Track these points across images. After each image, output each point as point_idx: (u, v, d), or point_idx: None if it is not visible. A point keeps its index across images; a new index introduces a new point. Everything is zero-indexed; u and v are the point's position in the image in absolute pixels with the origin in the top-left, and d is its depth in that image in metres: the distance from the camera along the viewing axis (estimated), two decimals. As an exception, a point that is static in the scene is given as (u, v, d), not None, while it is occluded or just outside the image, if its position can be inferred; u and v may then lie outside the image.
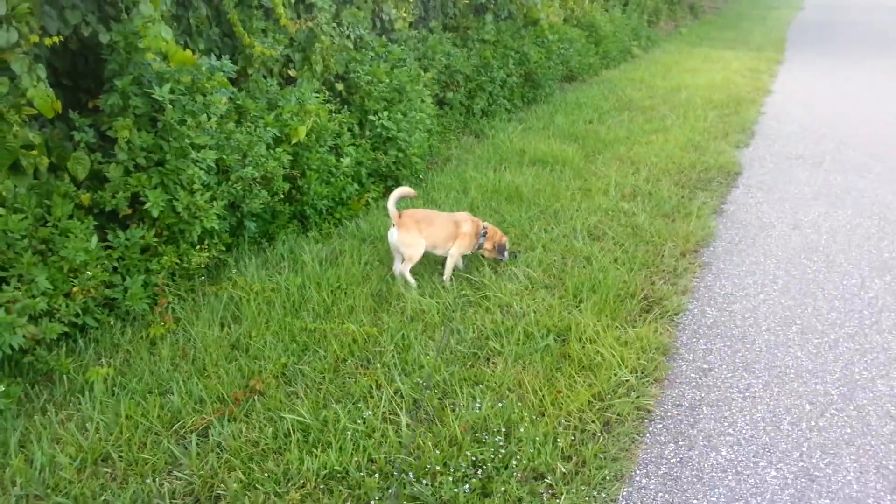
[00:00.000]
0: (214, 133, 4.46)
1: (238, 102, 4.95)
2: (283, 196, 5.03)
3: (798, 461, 2.91)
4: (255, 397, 3.26)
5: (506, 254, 4.63)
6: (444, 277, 4.47)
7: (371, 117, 6.20)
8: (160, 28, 4.04)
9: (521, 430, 2.95)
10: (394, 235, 4.37)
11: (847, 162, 7.41)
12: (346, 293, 4.22)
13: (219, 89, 4.54)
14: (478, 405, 3.12)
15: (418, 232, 4.40)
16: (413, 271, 4.55)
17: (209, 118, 4.32)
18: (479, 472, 2.75)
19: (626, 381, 3.36)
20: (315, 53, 6.07)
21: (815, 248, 5.10)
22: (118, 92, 4.08)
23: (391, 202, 4.36)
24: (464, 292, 4.29)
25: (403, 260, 4.41)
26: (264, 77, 5.59)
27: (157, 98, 4.05)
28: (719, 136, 8.13)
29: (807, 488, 2.76)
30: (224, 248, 4.58)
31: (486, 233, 4.55)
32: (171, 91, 4.20)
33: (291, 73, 6.03)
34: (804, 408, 3.26)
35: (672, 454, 2.96)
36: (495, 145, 7.61)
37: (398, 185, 6.32)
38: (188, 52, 4.18)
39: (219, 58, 4.83)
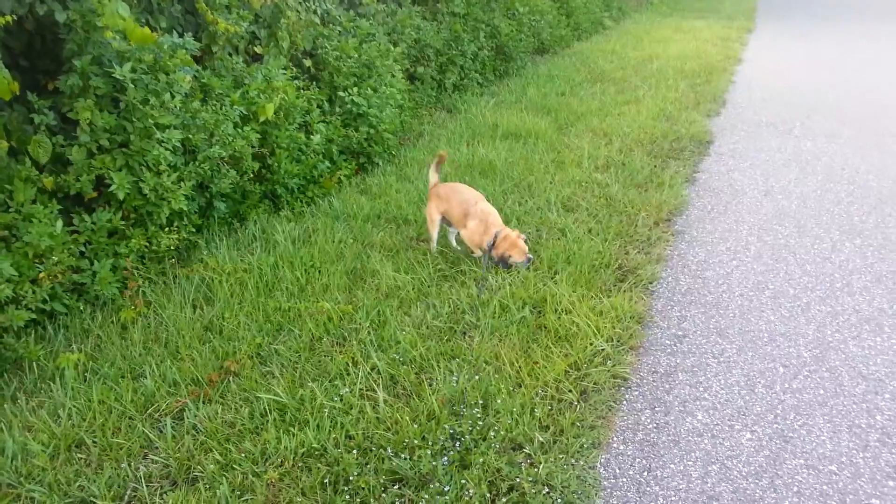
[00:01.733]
0: (179, 112, 4.36)
1: (203, 81, 4.84)
2: (252, 175, 4.96)
3: (772, 423, 2.95)
4: (231, 378, 3.23)
5: (519, 263, 4.15)
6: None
7: (341, 93, 6.11)
8: (117, 5, 3.92)
9: (499, 401, 2.95)
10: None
11: (817, 128, 7.47)
12: (320, 271, 4.18)
13: (182, 67, 4.43)
14: (455, 378, 3.11)
15: (436, 207, 4.43)
16: (386, 246, 4.53)
17: (173, 97, 4.22)
18: (458, 444, 2.75)
19: (602, 350, 3.38)
20: (281, 29, 5.95)
21: (786, 214, 5.14)
22: (77, 72, 3.96)
23: (431, 171, 4.59)
24: (439, 267, 4.27)
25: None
26: (230, 54, 5.47)
27: (118, 78, 3.94)
28: (691, 106, 8.15)
29: (781, 449, 2.80)
30: (194, 230, 4.51)
31: (494, 242, 4.12)
32: (133, 70, 4.10)
33: (258, 49, 5.91)
34: (778, 371, 3.29)
35: (648, 420, 2.99)
36: (468, 119, 7.56)
37: (370, 161, 6.27)
38: (147, 29, 4.06)
39: (181, 35, 4.71)
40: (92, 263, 3.89)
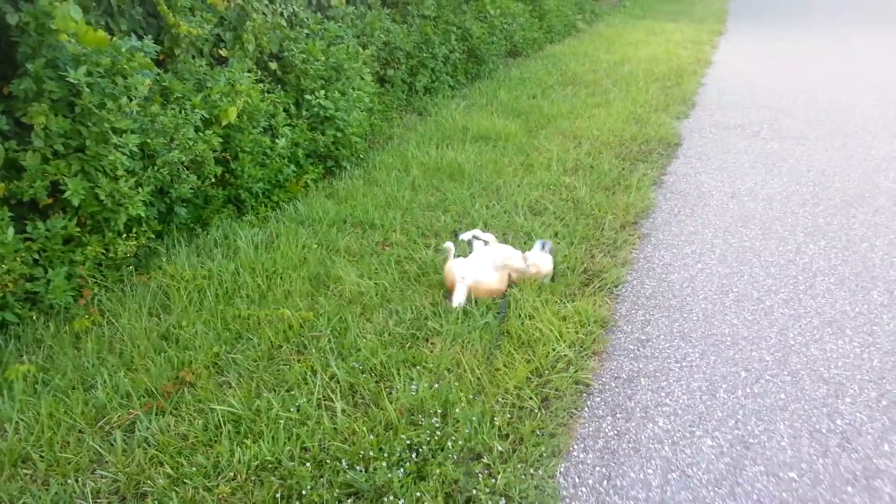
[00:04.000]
0: (137, 116, 4.27)
1: (164, 84, 4.75)
2: (215, 180, 4.87)
3: (733, 429, 2.93)
4: (186, 389, 3.15)
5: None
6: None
7: (308, 96, 6.04)
8: (69, 7, 3.82)
9: (458, 410, 2.90)
10: None
11: (784, 130, 7.53)
12: (282, 278, 4.11)
13: (141, 71, 4.34)
14: (414, 387, 3.06)
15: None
16: (351, 251, 4.48)
17: (130, 101, 4.12)
18: (415, 455, 2.70)
19: (565, 355, 3.35)
20: (247, 32, 5.86)
21: (751, 216, 5.16)
22: (31, 76, 3.86)
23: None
24: (404, 271, 4.22)
25: None
26: (193, 57, 5.38)
27: (73, 81, 3.84)
28: (660, 108, 8.18)
29: (742, 456, 2.78)
30: (153, 236, 4.42)
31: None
32: (89, 74, 4.00)
33: (223, 52, 5.82)
34: (740, 375, 3.29)
35: (609, 427, 2.96)
36: (438, 123, 7.52)
37: (338, 165, 6.20)
38: (101, 32, 3.96)
39: (141, 38, 4.61)
40: (46, 271, 3.79)
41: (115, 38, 4.29)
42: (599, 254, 4.47)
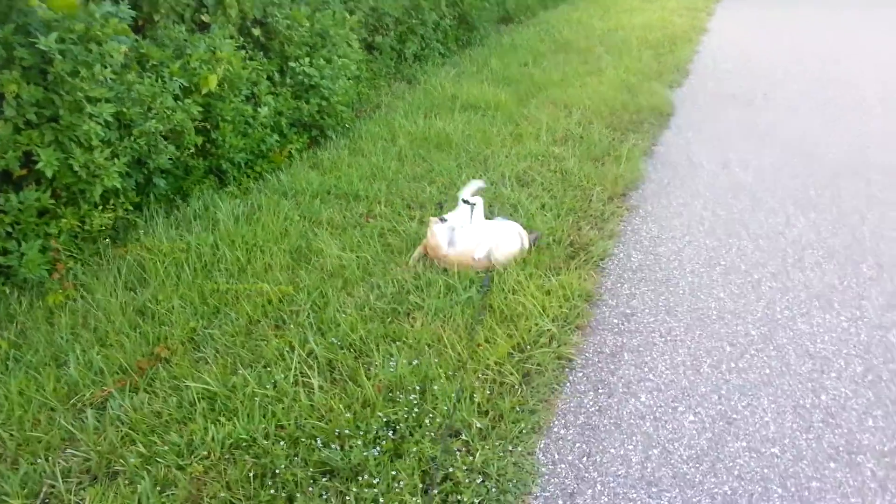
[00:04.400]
0: (113, 84, 4.15)
1: (142, 51, 4.61)
2: (195, 150, 4.76)
3: (716, 404, 2.89)
4: (161, 365, 3.09)
5: None
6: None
7: (292, 64, 5.90)
8: (36, -31, 3.68)
9: (437, 387, 2.85)
10: None
11: (778, 99, 7.42)
12: (262, 251, 4.03)
13: (116, 37, 4.21)
14: (393, 363, 3.00)
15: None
16: (334, 223, 4.40)
17: (105, 68, 4.00)
18: (392, 433, 2.65)
19: (548, 330, 3.29)
20: (228, -4, 5.70)
21: (742, 188, 5.08)
22: (0, 42, 3.74)
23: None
24: (388, 244, 4.14)
25: None
26: (175, 23, 5.23)
27: (44, 48, 3.71)
28: (653, 77, 8.05)
29: (724, 431, 2.75)
30: (131, 208, 4.32)
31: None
32: (61, 40, 3.88)
33: (205, 18, 5.65)
34: (724, 349, 3.24)
35: (591, 403, 2.92)
36: (427, 91, 7.39)
37: (323, 134, 6.08)
38: None
39: (117, 3, 4.47)
40: (20, 245, 3.70)
41: (89, 3, 4.17)
42: (586, 226, 4.39)
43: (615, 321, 3.49)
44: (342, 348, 3.15)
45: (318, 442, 2.59)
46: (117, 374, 3.05)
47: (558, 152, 5.55)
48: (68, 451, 2.66)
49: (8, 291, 3.61)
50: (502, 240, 3.89)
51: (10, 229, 3.69)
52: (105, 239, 4.08)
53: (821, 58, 9.48)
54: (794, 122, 6.65)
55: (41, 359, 3.13)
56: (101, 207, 4.08)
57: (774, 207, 4.72)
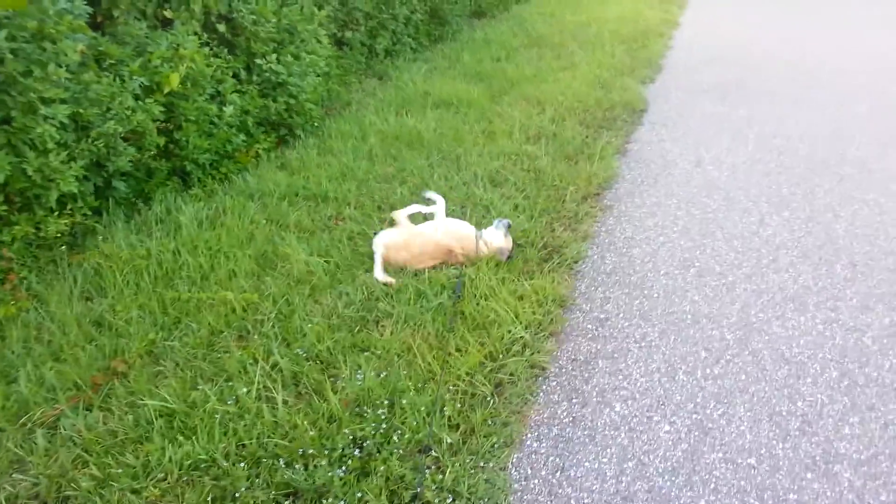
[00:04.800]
0: (69, 84, 3.98)
1: (100, 49, 4.43)
2: (156, 151, 4.60)
3: (692, 413, 2.83)
4: (117, 380, 2.95)
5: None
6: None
7: (258, 61, 5.74)
8: (-21, -36, 3.50)
9: (405, 402, 2.75)
10: None
11: (751, 94, 7.41)
12: (226, 256, 3.90)
13: (72, 35, 4.04)
14: (360, 376, 2.89)
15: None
16: (302, 226, 4.28)
17: (59, 68, 3.82)
18: (359, 451, 2.55)
19: (521, 337, 3.21)
20: (192, -9, 5.52)
21: (715, 186, 5.04)
22: (-54, 40, 3.56)
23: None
24: (357, 248, 4.03)
25: None
26: (137, 19, 5.05)
27: (-9, 47, 3.54)
28: (626, 72, 8.00)
29: (700, 441, 2.69)
30: (89, 213, 4.16)
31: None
32: (13, 38, 3.71)
33: (167, 14, 5.47)
34: (700, 355, 3.18)
35: (565, 413, 2.84)
36: (398, 87, 7.26)
37: (292, 134, 5.94)
38: None
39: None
40: (-30, 254, 3.54)
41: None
42: (560, 227, 4.32)
43: (589, 326, 3.41)
44: (308, 360, 3.04)
45: (281, 462, 2.48)
46: (70, 390, 2.90)
47: (531, 151, 5.47)
48: (15, 475, 2.52)
49: (-43, 303, 3.43)
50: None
51: (-41, 237, 3.54)
52: (61, 246, 3.91)
53: (794, 49, 9.53)
54: (766, 116, 6.64)
55: (-10, 376, 2.98)
56: (57, 213, 3.91)
57: (748, 206, 4.69)
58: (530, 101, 6.85)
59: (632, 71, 8.12)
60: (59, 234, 3.88)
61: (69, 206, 4.04)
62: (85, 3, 4.25)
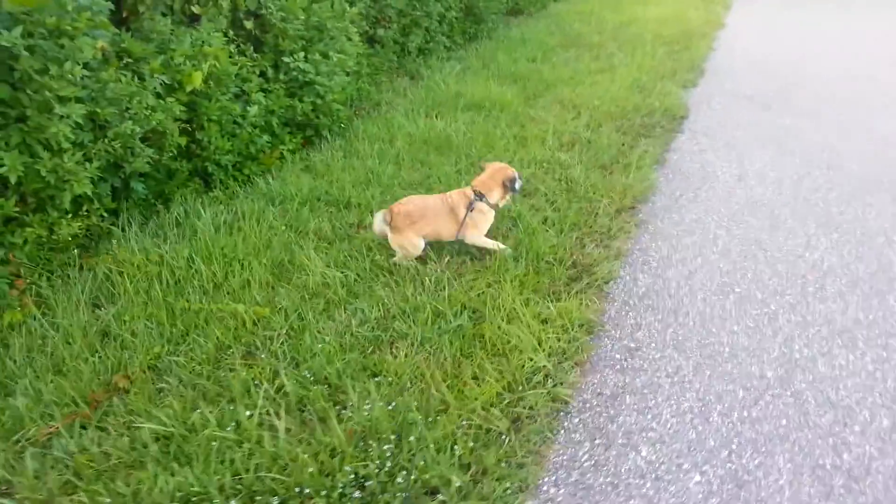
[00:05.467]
0: (88, 83, 3.87)
1: (123, 45, 4.32)
2: (176, 152, 4.48)
3: (726, 462, 2.59)
4: (117, 397, 2.82)
5: (516, 187, 3.92)
6: (499, 250, 3.86)
7: (286, 59, 5.60)
8: (-8, -42, 3.40)
9: (412, 438, 2.56)
10: (389, 237, 3.81)
11: (798, 102, 7.06)
12: (242, 265, 3.76)
13: (91, 31, 3.93)
14: (368, 406, 2.71)
15: (415, 233, 3.76)
16: (322, 234, 4.12)
17: (75, 65, 3.71)
18: (360, 491, 2.37)
19: (543, 366, 3.00)
20: (220, -14, 5.40)
21: (759, 202, 4.76)
22: (-37, 37, 3.48)
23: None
24: (375, 259, 3.85)
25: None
26: (164, 15, 4.94)
27: (6, 44, 3.44)
28: (667, 76, 7.70)
29: (733, 496, 2.45)
30: (105, 214, 4.06)
31: (480, 194, 3.84)
32: (30, 35, 3.61)
33: (195, 9, 5.35)
34: (737, 394, 2.94)
35: (587, 456, 2.63)
36: (429, 88, 7.08)
37: (318, 134, 5.79)
38: None
39: None
40: (-19, 255, 3.45)
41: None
42: (591, 244, 4.09)
43: (618, 356, 3.19)
44: (315, 383, 2.87)
45: (276, 500, 2.32)
46: (69, 406, 2.78)
47: (564, 159, 5.24)
48: (1, 500, 2.40)
49: (-35, 307, 3.34)
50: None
51: (-31, 238, 3.45)
52: (74, 249, 3.81)
53: (844, 57, 9.09)
54: (814, 126, 6.30)
55: (-12, 387, 2.88)
56: (71, 215, 3.81)
57: (794, 227, 4.40)
58: (565, 104, 6.61)
59: (673, 74, 7.81)
60: (72, 237, 3.78)
61: (85, 208, 3.95)
62: (107, -1, 4.15)
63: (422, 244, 3.79)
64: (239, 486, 2.40)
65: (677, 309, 3.54)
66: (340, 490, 2.35)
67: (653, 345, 3.27)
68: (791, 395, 2.93)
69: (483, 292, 3.50)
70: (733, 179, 5.16)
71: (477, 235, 3.84)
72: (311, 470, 2.40)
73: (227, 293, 3.53)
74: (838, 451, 2.64)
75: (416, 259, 3.83)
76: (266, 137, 5.19)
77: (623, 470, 2.56)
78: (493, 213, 3.90)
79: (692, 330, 3.37)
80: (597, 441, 2.70)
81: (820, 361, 3.13)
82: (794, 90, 7.50)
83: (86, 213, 3.95)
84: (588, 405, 2.88)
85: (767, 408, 2.86)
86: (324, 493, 2.33)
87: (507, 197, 3.99)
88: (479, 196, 3.83)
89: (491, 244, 3.87)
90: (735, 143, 5.92)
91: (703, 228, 4.39)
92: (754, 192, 4.93)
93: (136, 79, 4.12)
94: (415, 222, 3.75)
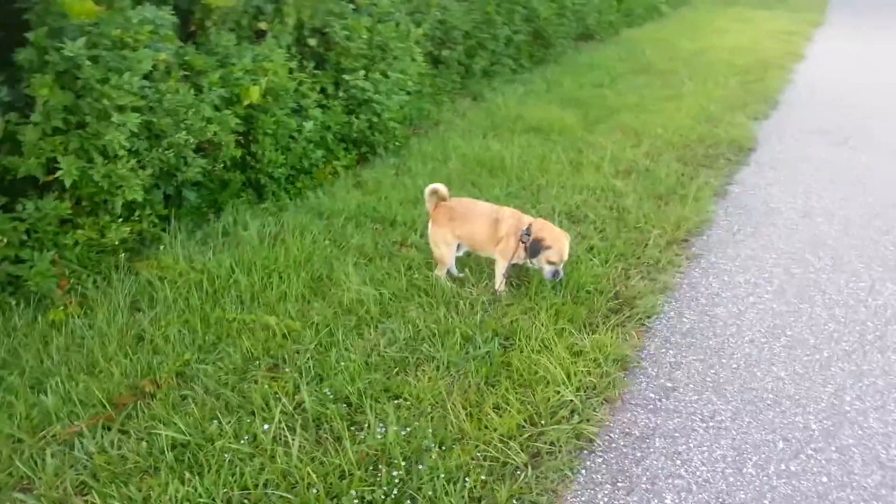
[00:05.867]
0: (147, 93, 4.00)
1: (186, 58, 4.47)
2: (229, 163, 4.57)
3: (756, 518, 2.43)
4: (142, 402, 2.86)
5: (546, 266, 3.54)
6: (496, 286, 3.72)
7: (346, 77, 5.67)
8: (58, -29, 3.56)
9: (421, 466, 2.48)
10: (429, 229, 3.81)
11: (876, 139, 6.71)
12: (280, 277, 3.78)
13: (153, 44, 4.08)
14: (380, 430, 2.66)
15: (450, 230, 3.75)
16: (363, 251, 4.11)
17: (133, 76, 3.83)
18: (366, 516, 2.32)
19: (570, 401, 2.88)
20: (287, 4, 5.53)
21: (823, 241, 4.51)
22: (33, 45, 3.65)
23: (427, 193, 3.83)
24: (414, 279, 3.82)
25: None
26: (232, 30, 5.08)
27: (70, 55, 3.59)
28: (737, 106, 7.45)
29: (760, 556, 2.28)
30: (157, 221, 4.16)
31: (528, 232, 3.57)
32: (94, 45, 3.77)
33: (262, 26, 5.49)
34: (776, 445, 2.75)
35: (606, 500, 2.49)
36: (490, 110, 7.06)
37: (373, 152, 5.83)
38: (89, 2, 3.67)
39: (174, 8, 4.35)
40: (33, 255, 3.58)
41: (126, 8, 4.04)
42: (637, 275, 3.95)
43: (651, 395, 3.04)
44: (336, 402, 2.84)
45: (280, 520, 2.29)
46: (95, 407, 2.83)
47: (619, 186, 5.11)
48: (17, 493, 2.44)
49: (14, 304, 3.46)
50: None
51: (24, 237, 3.58)
52: (122, 253, 3.91)
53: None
54: (891, 166, 5.96)
55: (24, 382, 2.95)
56: (123, 219, 3.92)
57: (858, 269, 4.14)
58: (626, 131, 6.47)
59: (744, 105, 7.55)
60: (120, 241, 3.88)
61: (137, 213, 4.06)
62: (172, 12, 4.29)
63: (454, 246, 3.76)
64: (246, 501, 2.38)
65: (721, 349, 3.36)
66: (344, 514, 2.30)
67: (691, 385, 3.10)
68: (836, 450, 2.72)
69: (517, 319, 3.41)
70: (797, 216, 4.91)
71: (502, 264, 3.71)
72: (316, 490, 2.36)
73: (263, 304, 3.56)
74: (883, 517, 2.43)
75: (453, 278, 3.78)
76: (320, 152, 5.26)
77: (643, 518, 2.42)
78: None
79: (735, 373, 3.19)
80: (619, 484, 2.56)
81: (871, 416, 2.91)
82: (875, 125, 7.13)
83: (137, 219, 4.06)
84: (614, 445, 2.75)
85: (808, 462, 2.66)
86: (325, 516, 2.29)
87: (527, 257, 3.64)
88: (527, 233, 3.60)
89: (498, 280, 3.72)
90: (804, 178, 5.65)
91: (759, 266, 4.18)
92: (819, 230, 4.68)
93: (192, 91, 4.23)
94: (453, 219, 3.72)
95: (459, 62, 7.80)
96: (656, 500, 2.49)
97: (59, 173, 3.62)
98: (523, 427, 2.74)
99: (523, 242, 3.56)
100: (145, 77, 3.97)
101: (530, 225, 3.61)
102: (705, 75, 8.70)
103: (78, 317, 3.42)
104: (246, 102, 4.65)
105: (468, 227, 3.73)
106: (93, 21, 3.81)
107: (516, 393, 2.91)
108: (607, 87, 8.12)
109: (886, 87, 8.89)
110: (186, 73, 4.37)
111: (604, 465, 2.65)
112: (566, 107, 7.18)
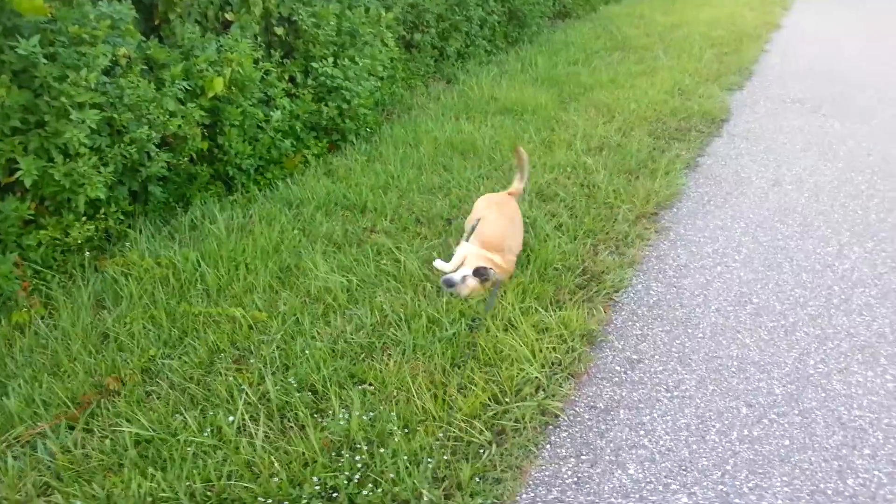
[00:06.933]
0: (108, 89, 3.96)
1: (148, 52, 4.42)
2: (195, 156, 4.54)
3: (717, 483, 2.44)
4: (107, 399, 2.85)
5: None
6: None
7: (314, 65, 5.63)
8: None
9: (382, 450, 2.49)
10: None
11: (850, 107, 6.71)
12: (248, 268, 3.77)
13: (113, 38, 4.04)
14: (344, 415, 2.66)
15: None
16: (332, 238, 4.09)
17: (90, 72, 3.79)
18: (328, 501, 2.32)
19: (535, 378, 2.89)
20: (252, -7, 5.47)
21: (792, 209, 4.52)
22: (-14, 45, 3.61)
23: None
24: (383, 266, 3.81)
25: None
26: (197, 22, 5.04)
27: (23, 53, 3.55)
28: (711, 78, 7.45)
29: (721, 521, 2.30)
30: (122, 217, 4.14)
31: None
32: (50, 43, 3.73)
33: (229, 16, 5.44)
34: (739, 412, 2.77)
35: (570, 472, 2.51)
36: (463, 93, 7.02)
37: (344, 139, 5.80)
38: (38, 0, 3.62)
39: (137, 2, 4.30)
40: (-1, 256, 3.55)
41: (84, 3, 3.99)
42: (605, 251, 3.95)
43: (617, 368, 3.05)
44: (300, 390, 2.84)
45: (241, 509, 2.29)
46: (59, 407, 2.82)
47: (589, 163, 5.10)
48: (-19, 498, 2.44)
49: (-22, 306, 3.44)
50: None
51: (-14, 239, 3.56)
52: (87, 251, 3.89)
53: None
54: (863, 131, 5.97)
55: (-13, 385, 2.94)
56: (87, 218, 3.89)
57: (826, 234, 4.16)
58: (599, 108, 6.45)
59: (718, 77, 7.54)
60: (85, 240, 3.86)
61: (102, 211, 4.03)
62: (132, 6, 4.24)
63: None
64: (209, 493, 2.38)
65: (688, 320, 3.38)
66: (306, 501, 2.30)
67: (656, 357, 3.12)
68: (798, 413, 2.74)
69: (483, 300, 3.41)
70: (768, 185, 4.92)
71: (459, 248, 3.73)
72: (277, 479, 2.37)
73: (230, 297, 3.54)
74: (843, 476, 2.45)
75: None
76: (289, 142, 5.22)
77: (606, 489, 2.43)
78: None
79: (700, 342, 3.20)
80: (583, 457, 2.57)
81: (835, 378, 2.93)
82: (849, 93, 7.14)
83: (103, 217, 4.03)
84: (578, 419, 2.76)
85: (771, 427, 2.68)
86: (288, 503, 2.29)
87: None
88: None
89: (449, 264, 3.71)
90: (775, 148, 5.65)
91: (728, 236, 4.19)
92: (788, 197, 4.69)
93: (153, 84, 4.19)
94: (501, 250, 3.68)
95: (433, 45, 7.75)
96: (620, 471, 2.50)
97: (18, 174, 3.59)
98: (488, 406, 2.75)
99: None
100: (105, 73, 3.94)
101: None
102: (680, 49, 8.69)
103: (42, 318, 3.40)
104: (210, 94, 4.61)
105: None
106: (48, 18, 3.77)
107: (482, 373, 2.91)
108: (581, 65, 8.09)
109: (863, 54, 8.89)
110: (149, 66, 4.33)
111: (568, 440, 2.66)
112: (540, 86, 7.16)
